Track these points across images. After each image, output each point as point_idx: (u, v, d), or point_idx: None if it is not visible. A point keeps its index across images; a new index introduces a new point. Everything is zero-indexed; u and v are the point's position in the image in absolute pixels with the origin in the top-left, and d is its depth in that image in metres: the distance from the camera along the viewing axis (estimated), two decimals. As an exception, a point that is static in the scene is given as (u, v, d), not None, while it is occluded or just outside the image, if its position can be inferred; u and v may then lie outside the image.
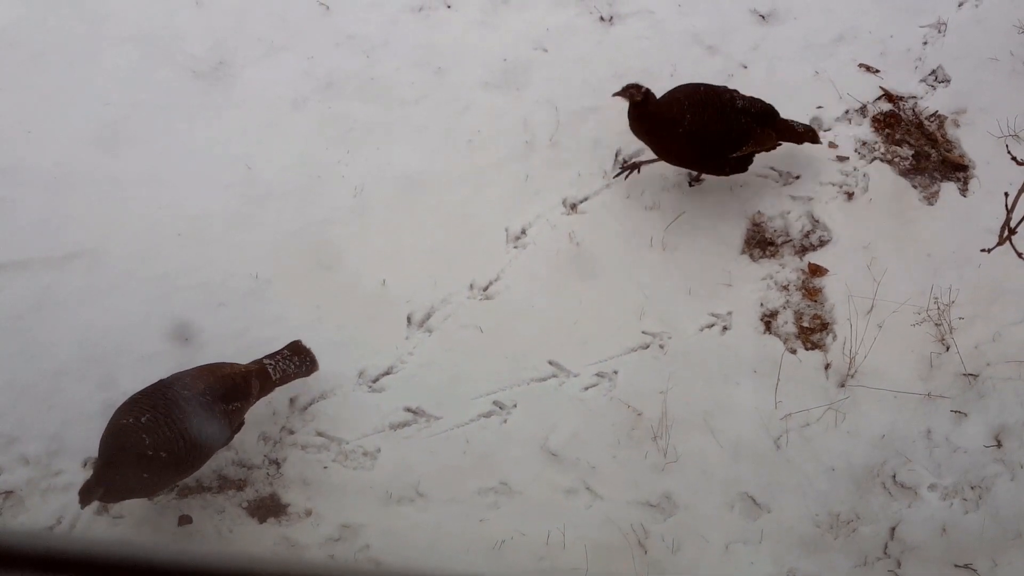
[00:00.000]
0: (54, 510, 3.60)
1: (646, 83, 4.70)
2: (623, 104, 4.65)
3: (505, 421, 3.92)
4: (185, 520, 3.62)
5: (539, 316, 4.14)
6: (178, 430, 3.33)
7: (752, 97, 4.31)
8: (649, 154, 4.36)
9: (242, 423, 3.61)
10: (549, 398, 3.98)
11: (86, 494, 3.27)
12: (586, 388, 4.01)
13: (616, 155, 4.55)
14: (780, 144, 4.36)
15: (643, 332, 4.13)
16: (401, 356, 4.02)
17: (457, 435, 3.88)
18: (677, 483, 3.84)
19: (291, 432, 3.83)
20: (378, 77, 4.68)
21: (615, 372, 4.04)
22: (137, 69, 4.52)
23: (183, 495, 3.68)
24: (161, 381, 3.45)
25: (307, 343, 3.83)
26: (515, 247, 4.30)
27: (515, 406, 3.95)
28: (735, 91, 4.30)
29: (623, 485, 3.82)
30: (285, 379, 3.71)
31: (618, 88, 4.15)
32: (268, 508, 3.69)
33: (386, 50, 4.76)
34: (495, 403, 3.96)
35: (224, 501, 3.69)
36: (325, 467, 3.78)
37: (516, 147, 4.54)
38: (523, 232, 4.34)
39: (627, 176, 4.40)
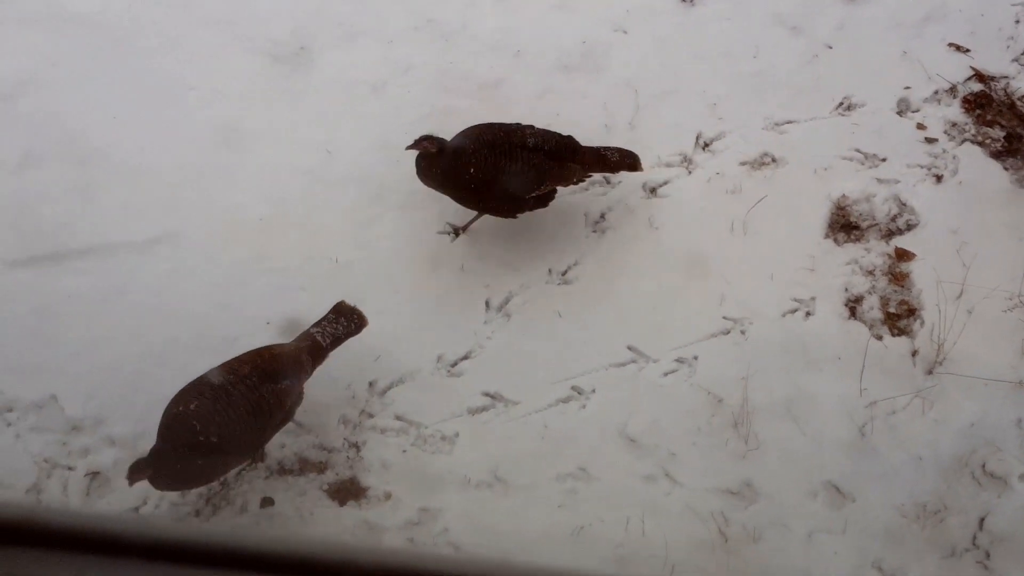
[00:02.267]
0: (139, 491, 3.64)
1: (725, 63, 4.65)
2: (704, 86, 4.61)
3: (584, 406, 3.89)
4: (267, 502, 3.66)
5: (618, 301, 4.11)
6: (226, 415, 3.36)
7: (547, 132, 4.08)
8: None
9: (301, 397, 3.62)
10: (628, 384, 3.94)
11: (134, 472, 3.32)
12: (665, 374, 3.96)
13: (697, 138, 4.48)
14: (590, 175, 4.18)
15: (724, 318, 4.07)
16: (479, 341, 4.01)
17: (535, 420, 3.86)
18: (758, 471, 3.77)
19: (370, 416, 3.84)
20: (457, 61, 4.68)
21: (695, 358, 3.99)
22: (219, 54, 4.58)
23: (266, 477, 3.73)
24: (211, 369, 3.50)
25: (350, 302, 3.82)
26: (594, 232, 4.27)
27: (594, 391, 3.92)
28: (528, 128, 4.07)
29: (703, 472, 3.77)
30: (336, 342, 3.71)
31: (411, 141, 3.95)
32: (348, 491, 3.72)
33: (465, 34, 4.76)
34: (573, 388, 3.93)
35: (305, 484, 3.72)
36: (404, 451, 3.79)
37: (595, 130, 4.50)
38: (602, 217, 4.30)
39: (454, 237, 4.23)
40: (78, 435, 3.75)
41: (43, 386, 3.80)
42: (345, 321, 3.75)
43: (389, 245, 4.18)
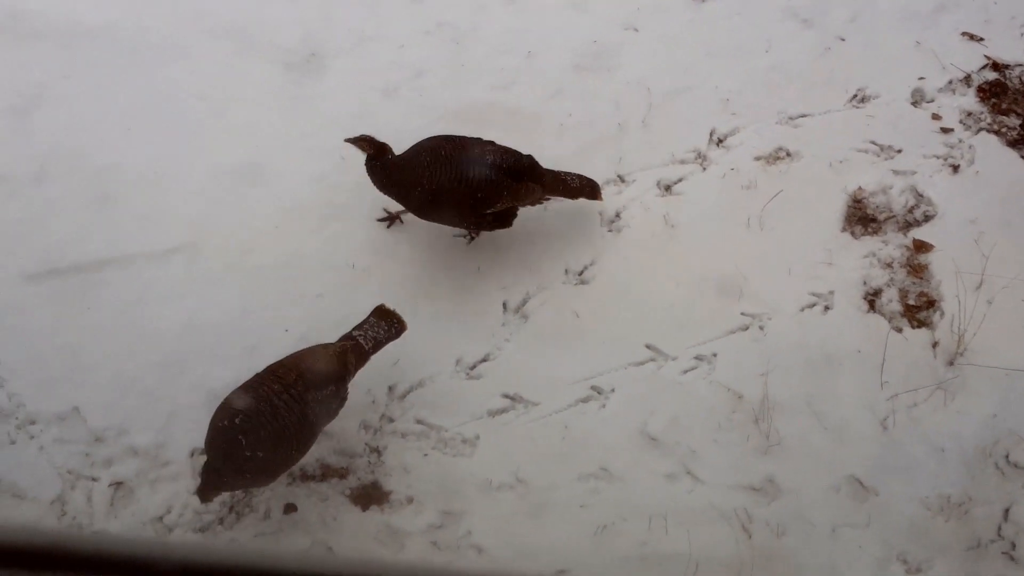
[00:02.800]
0: (163, 499, 3.67)
1: (737, 58, 4.63)
2: (716, 82, 4.60)
3: (603, 406, 3.89)
4: (290, 508, 3.67)
5: (635, 300, 4.10)
6: (272, 427, 3.33)
7: (507, 149, 3.99)
8: None
9: (344, 400, 3.62)
10: (647, 382, 3.93)
11: (203, 495, 3.35)
12: (685, 371, 3.95)
13: (711, 134, 4.47)
14: (548, 199, 4.11)
15: (742, 314, 4.06)
16: (497, 343, 4.02)
17: (555, 421, 3.86)
18: (781, 466, 3.76)
19: (391, 420, 3.85)
20: (468, 63, 4.68)
21: (714, 355, 3.98)
22: (230, 64, 4.58)
23: (288, 484, 3.73)
24: (255, 376, 3.47)
25: (390, 305, 3.82)
26: (609, 231, 4.27)
27: (613, 391, 3.92)
28: (489, 144, 3.99)
29: (725, 469, 3.76)
30: (377, 346, 3.70)
31: (352, 135, 3.94)
32: (371, 496, 3.73)
33: (475, 36, 4.76)
34: (593, 388, 3.93)
35: (328, 489, 3.73)
36: (425, 454, 3.79)
37: (608, 129, 4.50)
38: (617, 215, 4.30)
39: (389, 224, 4.21)
40: (101, 446, 3.76)
41: (65, 398, 3.82)
42: (386, 325, 3.75)
43: (405, 249, 4.18)
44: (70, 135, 4.29)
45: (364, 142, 3.91)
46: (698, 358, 3.98)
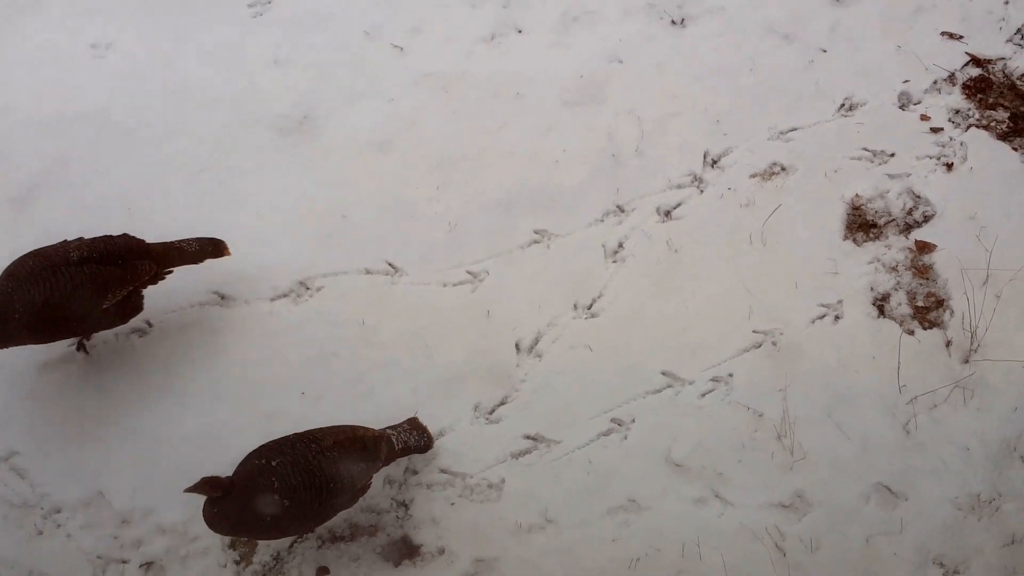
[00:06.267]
0: (198, 573, 3.69)
1: (723, 79, 4.68)
2: (705, 104, 4.63)
3: (625, 437, 3.89)
4: (323, 571, 3.68)
5: (647, 328, 4.12)
6: (304, 480, 3.37)
7: (95, 240, 3.81)
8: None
9: (368, 485, 3.65)
10: (667, 409, 3.94)
11: (207, 485, 3.30)
12: (703, 395, 3.96)
13: (704, 156, 4.51)
14: (171, 271, 3.98)
15: (754, 331, 4.07)
16: (514, 384, 4.03)
17: (579, 457, 3.87)
18: (808, 481, 3.76)
19: (415, 472, 3.86)
20: (459, 110, 4.72)
21: (730, 375, 3.99)
22: (226, 134, 4.64)
23: (319, 547, 3.74)
24: (294, 433, 3.51)
25: (423, 421, 3.88)
26: (614, 262, 4.29)
27: (633, 421, 3.92)
28: (73, 242, 3.80)
29: (753, 489, 3.76)
30: (405, 451, 3.76)
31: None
32: (402, 551, 3.73)
33: (464, 82, 4.81)
34: (613, 420, 3.94)
35: (358, 548, 3.73)
36: (452, 503, 3.80)
37: (603, 161, 4.54)
38: (620, 246, 4.32)
39: (79, 349, 4.07)
40: (128, 527, 3.77)
41: (88, 484, 3.83)
42: (416, 435, 3.81)
43: (412, 302, 4.21)
44: (73, 220, 4.30)
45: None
46: (715, 380, 3.99)
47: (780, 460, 3.81)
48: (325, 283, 4.25)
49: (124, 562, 3.73)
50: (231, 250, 4.10)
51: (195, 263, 4.04)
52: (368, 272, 4.29)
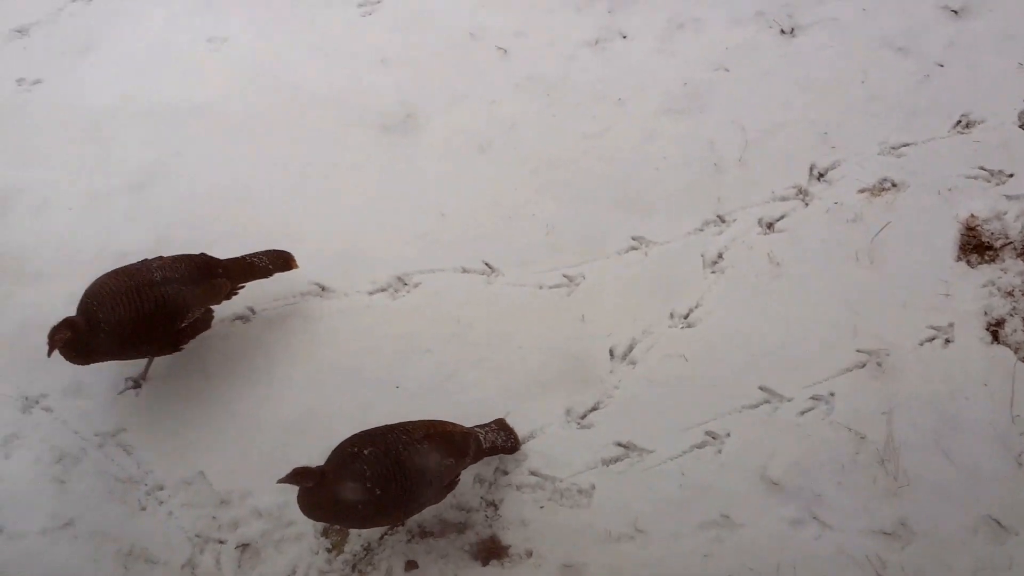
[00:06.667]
0: (289, 560, 3.70)
1: (833, 91, 4.58)
2: (813, 116, 4.54)
3: (720, 451, 3.81)
4: (412, 565, 3.67)
5: (744, 341, 4.04)
6: (394, 471, 3.38)
7: (175, 258, 3.86)
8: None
9: (456, 481, 3.64)
10: (764, 425, 3.85)
11: (295, 477, 3.32)
12: (802, 412, 3.86)
13: (811, 169, 4.41)
14: (242, 286, 4.02)
15: (858, 350, 3.96)
16: (607, 390, 3.98)
17: (672, 468, 3.80)
18: (912, 508, 3.63)
19: (505, 473, 3.83)
20: (560, 114, 4.71)
21: (831, 394, 3.88)
22: (330, 132, 4.70)
23: (408, 541, 3.73)
24: (386, 425, 3.53)
25: (510, 422, 3.87)
26: (713, 272, 4.22)
27: (728, 435, 3.84)
28: (154, 262, 3.84)
29: (853, 513, 3.65)
30: (493, 450, 3.76)
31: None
32: (490, 550, 3.70)
33: (566, 86, 4.80)
34: (707, 433, 3.86)
35: (447, 545, 3.71)
36: (541, 507, 3.76)
37: (705, 170, 4.48)
38: (720, 256, 4.25)
39: (134, 391, 4.05)
40: (227, 508, 3.81)
41: (191, 463, 3.88)
42: (504, 435, 3.81)
43: (508, 302, 4.19)
44: (185, 208, 4.44)
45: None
46: (815, 398, 3.89)
47: (883, 485, 3.69)
48: (422, 279, 4.26)
49: (221, 542, 3.77)
50: (298, 263, 4.14)
51: (266, 277, 4.09)
52: (465, 271, 4.28)
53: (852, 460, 3.74)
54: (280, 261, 4.10)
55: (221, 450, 3.90)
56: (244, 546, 3.76)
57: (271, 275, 4.10)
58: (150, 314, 3.72)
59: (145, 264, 3.83)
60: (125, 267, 3.83)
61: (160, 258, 3.87)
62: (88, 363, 3.77)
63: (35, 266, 4.37)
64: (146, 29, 5.15)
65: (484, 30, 4.99)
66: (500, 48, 4.92)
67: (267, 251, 4.11)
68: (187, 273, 3.83)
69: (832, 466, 3.74)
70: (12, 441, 3.97)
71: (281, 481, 3.33)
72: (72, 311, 3.72)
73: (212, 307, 3.99)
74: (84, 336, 3.65)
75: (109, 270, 3.82)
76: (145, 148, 4.69)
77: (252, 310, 4.21)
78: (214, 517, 3.80)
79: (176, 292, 3.78)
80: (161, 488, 3.86)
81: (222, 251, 4.04)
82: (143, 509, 3.83)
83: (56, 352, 3.63)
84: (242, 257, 4.04)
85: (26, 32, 5.21)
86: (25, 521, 3.81)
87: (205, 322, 3.98)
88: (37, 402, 4.03)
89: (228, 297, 4.01)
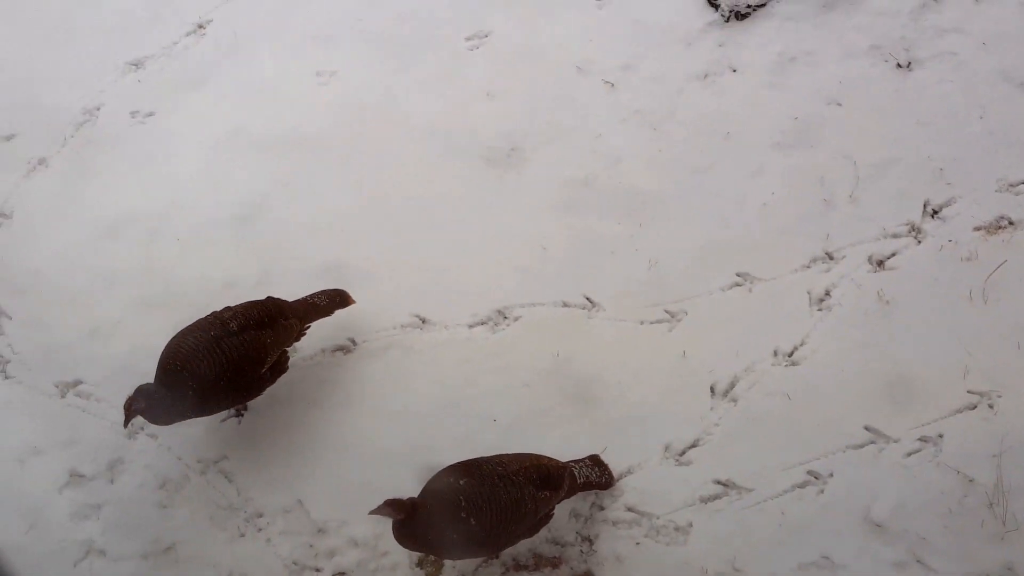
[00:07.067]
0: (382, 587, 3.77)
1: (949, 126, 4.45)
2: (928, 151, 4.42)
3: (822, 491, 3.73)
4: (505, 598, 3.69)
5: (850, 380, 3.95)
6: (489, 502, 3.41)
7: (245, 306, 3.91)
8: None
9: (550, 515, 3.64)
10: (868, 466, 3.75)
11: (387, 509, 3.36)
12: (908, 454, 3.75)
13: (924, 206, 4.30)
14: (309, 327, 4.07)
15: (968, 392, 3.84)
16: (707, 427, 3.93)
17: (771, 507, 3.73)
18: (1020, 554, 3.50)
19: (601, 508, 3.81)
20: (666, 148, 4.69)
21: (940, 436, 3.76)
22: (435, 163, 4.77)
23: (502, 574, 3.74)
24: (482, 456, 3.56)
25: (611, 456, 3.85)
26: (819, 310, 4.14)
27: (831, 475, 3.75)
28: (226, 313, 3.87)
29: (958, 557, 3.53)
30: (587, 485, 3.75)
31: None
32: (584, 586, 3.69)
33: (673, 120, 4.78)
34: (809, 473, 3.77)
35: (540, 579, 3.72)
36: (637, 543, 3.73)
37: (814, 206, 4.40)
38: (827, 294, 4.17)
39: (236, 419, 4.11)
40: (324, 537, 3.87)
41: (290, 492, 3.96)
42: (598, 471, 3.80)
43: (607, 336, 4.19)
44: (290, 240, 4.55)
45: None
46: (923, 440, 3.77)
47: (991, 529, 3.56)
48: (522, 313, 4.28)
49: (318, 570, 3.83)
50: (355, 298, 4.21)
51: (327, 316, 4.16)
52: (565, 305, 4.29)
53: (959, 503, 3.62)
54: (339, 299, 4.18)
55: (319, 479, 3.96)
56: (340, 575, 3.81)
57: (332, 313, 4.17)
58: (235, 364, 3.78)
59: (217, 316, 3.90)
60: (198, 322, 3.88)
61: (228, 309, 3.93)
62: (171, 423, 3.85)
63: (142, 294, 4.50)
64: (257, 63, 5.29)
65: (591, 63, 5.01)
66: (607, 82, 4.93)
67: (325, 290, 4.19)
68: (259, 319, 3.90)
69: (939, 509, 3.63)
70: (117, 466, 4.11)
71: (372, 512, 3.37)
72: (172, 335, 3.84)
73: (287, 348, 4.06)
74: (166, 400, 3.74)
75: (185, 326, 3.88)
76: (253, 180, 4.81)
77: (353, 341, 4.29)
78: (311, 545, 3.86)
79: (253, 338, 3.85)
80: (260, 515, 3.94)
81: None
82: (242, 536, 3.91)
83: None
84: (305, 298, 4.12)
85: (141, 65, 5.40)
86: (127, 545, 3.92)
87: (282, 364, 4.04)
88: (143, 428, 4.12)
89: (298, 339, 4.08)
